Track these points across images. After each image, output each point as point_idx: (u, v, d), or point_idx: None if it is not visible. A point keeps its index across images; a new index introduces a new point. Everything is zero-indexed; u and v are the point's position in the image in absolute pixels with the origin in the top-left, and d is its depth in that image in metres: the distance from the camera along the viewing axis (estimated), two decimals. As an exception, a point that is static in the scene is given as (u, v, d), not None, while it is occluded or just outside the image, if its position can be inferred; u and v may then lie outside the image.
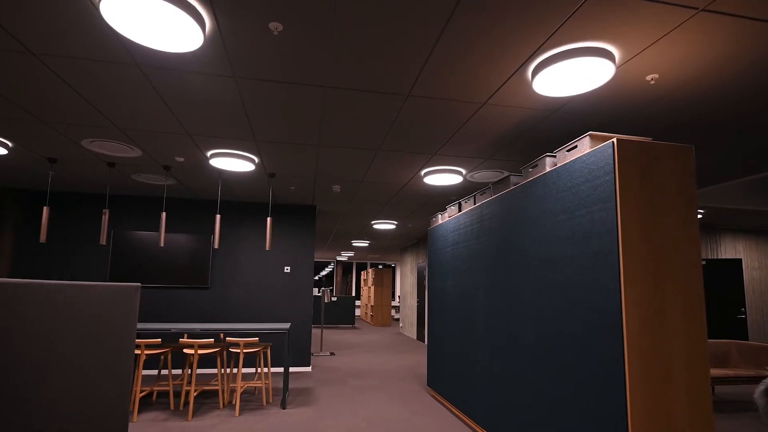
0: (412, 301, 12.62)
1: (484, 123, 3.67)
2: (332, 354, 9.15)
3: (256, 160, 4.78)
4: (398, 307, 20.65)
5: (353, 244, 13.44)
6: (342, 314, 15.33)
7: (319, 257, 19.58)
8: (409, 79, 2.93)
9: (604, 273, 2.47)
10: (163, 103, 3.39)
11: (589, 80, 2.74)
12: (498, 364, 3.70)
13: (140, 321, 6.73)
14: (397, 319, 19.56)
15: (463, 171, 5.08)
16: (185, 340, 4.68)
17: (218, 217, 5.22)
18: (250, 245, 7.19)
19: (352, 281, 21.71)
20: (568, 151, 2.93)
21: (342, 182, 5.71)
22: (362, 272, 19.23)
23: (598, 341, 2.50)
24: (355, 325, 16.48)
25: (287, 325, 5.30)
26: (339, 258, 19.81)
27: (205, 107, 3.44)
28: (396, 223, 9.04)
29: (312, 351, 9.47)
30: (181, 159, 4.80)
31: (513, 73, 2.84)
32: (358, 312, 20.83)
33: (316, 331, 13.82)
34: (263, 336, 7.12)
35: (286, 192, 6.39)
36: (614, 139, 2.45)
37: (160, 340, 4.66)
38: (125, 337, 2.53)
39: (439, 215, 5.52)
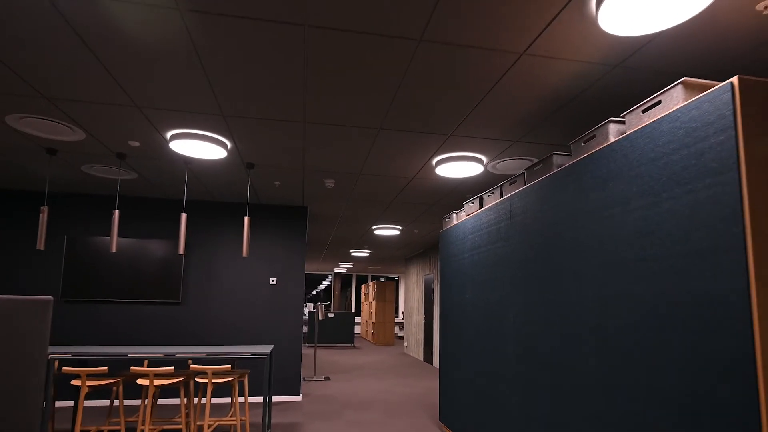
0: (419, 318, 11.85)
1: (520, 85, 2.94)
2: (327, 379, 8.35)
3: (229, 144, 4.06)
4: (402, 324, 19.84)
5: (352, 254, 12.70)
6: (340, 332, 14.55)
7: (315, 269, 18.83)
8: (422, 12, 2.21)
9: (719, 280, 1.72)
10: (92, 56, 2.67)
11: (684, 4, 2.02)
12: (535, 407, 2.94)
13: (97, 344, 5.97)
14: (401, 338, 18.75)
15: (484, 159, 4.35)
16: (137, 368, 3.92)
17: (184, 216, 4.49)
18: (230, 253, 6.45)
19: (351, 295, 20.94)
20: (644, 111, 2.20)
21: (336, 175, 4.98)
22: (362, 286, 18.48)
23: (712, 386, 1.74)
24: (355, 344, 15.68)
25: (268, 349, 4.53)
26: (337, 270, 19.06)
27: (148, 60, 2.73)
28: (400, 228, 8.30)
29: (304, 376, 8.68)
30: (136, 143, 4.08)
31: (570, -2, 2.11)
32: (357, 329, 20.06)
33: (309, 351, 13.02)
34: (240, 361, 6.35)
35: (271, 189, 5.66)
36: (735, 79, 1.71)
37: (106, 368, 3.90)
38: (31, 364, 1.95)
39: (454, 214, 4.79)
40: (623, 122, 2.42)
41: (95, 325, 5.98)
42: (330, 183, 5.25)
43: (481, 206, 4.13)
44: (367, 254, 12.58)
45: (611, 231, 2.33)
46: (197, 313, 6.27)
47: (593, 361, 2.41)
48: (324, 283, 22.89)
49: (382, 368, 9.93)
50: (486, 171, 4.75)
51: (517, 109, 3.28)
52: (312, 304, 19.55)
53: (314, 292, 23.24)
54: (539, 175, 3.13)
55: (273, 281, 6.52)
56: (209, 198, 6.28)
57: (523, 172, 3.34)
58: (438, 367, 10.09)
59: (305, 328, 17.64)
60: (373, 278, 20.89)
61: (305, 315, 16.90)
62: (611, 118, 2.41)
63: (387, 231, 8.38)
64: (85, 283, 5.95)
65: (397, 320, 20.15)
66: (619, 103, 3.18)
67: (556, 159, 2.95)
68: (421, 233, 8.92)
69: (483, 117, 3.43)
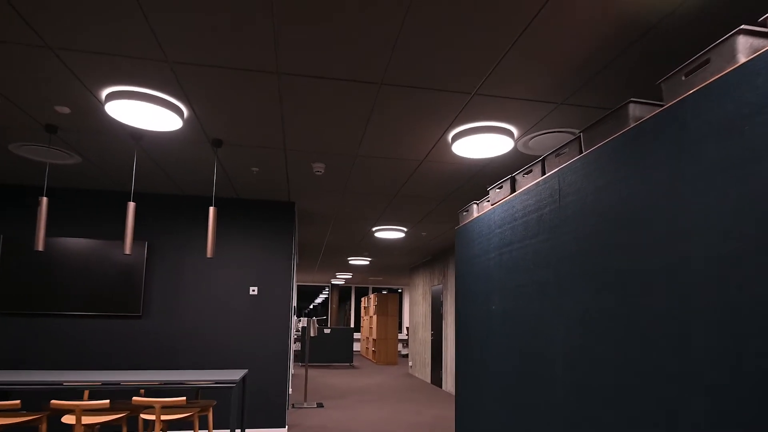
0: (425, 334, 11.03)
1: (583, 2, 2.17)
2: (320, 406, 7.51)
3: (184, 110, 3.28)
4: (407, 340, 18.99)
5: (350, 262, 11.89)
6: (337, 350, 13.74)
7: (310, 281, 18.01)
8: None
9: None
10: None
11: None
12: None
13: (39, 367, 5.15)
14: (405, 356, 17.89)
15: (515, 131, 3.56)
16: (59, 402, 3.11)
17: (131, 206, 3.70)
18: (202, 258, 5.66)
19: (350, 309, 20.10)
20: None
21: (326, 157, 4.20)
22: (362, 298, 17.67)
23: None
24: (354, 363, 14.85)
25: (238, 375, 3.73)
26: (334, 281, 18.26)
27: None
28: (405, 230, 7.50)
29: (292, 402, 7.84)
30: (66, 109, 3.31)
31: None
32: (357, 347, 19.23)
33: (302, 372, 12.18)
34: (209, 389, 5.50)
35: (248, 177, 4.88)
36: None
37: (19, 402, 3.10)
38: None
39: (474, 206, 3.99)
40: (763, 31, 1.63)
41: (37, 344, 5.17)
42: (319, 168, 4.46)
43: (513, 190, 3.33)
44: (368, 262, 11.78)
45: (752, 199, 1.52)
46: (162, 328, 5.46)
47: (703, 406, 1.60)
48: (321, 296, 22.07)
49: (384, 392, 9.08)
50: (515, 150, 3.96)
51: (573, 46, 2.50)
52: (306, 319, 18.72)
53: (311, 306, 22.40)
54: (606, 136, 2.33)
55: (253, 290, 5.71)
56: (176, 191, 5.50)
57: (579, 135, 2.54)
58: (451, 391, 9.24)
59: (298, 345, 16.82)
60: (374, 290, 20.07)
61: (298, 331, 16.04)
62: (742, 27, 1.62)
63: (389, 233, 7.58)
64: (26, 292, 5.15)
65: (400, 336, 19.30)
66: (720, 33, 2.40)
67: (634, 110, 2.16)
68: (430, 236, 8.12)
69: (522, 63, 2.64)
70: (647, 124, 2.01)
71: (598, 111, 3.22)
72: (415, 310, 12.28)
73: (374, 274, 15.33)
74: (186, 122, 3.48)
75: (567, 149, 2.69)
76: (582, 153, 2.51)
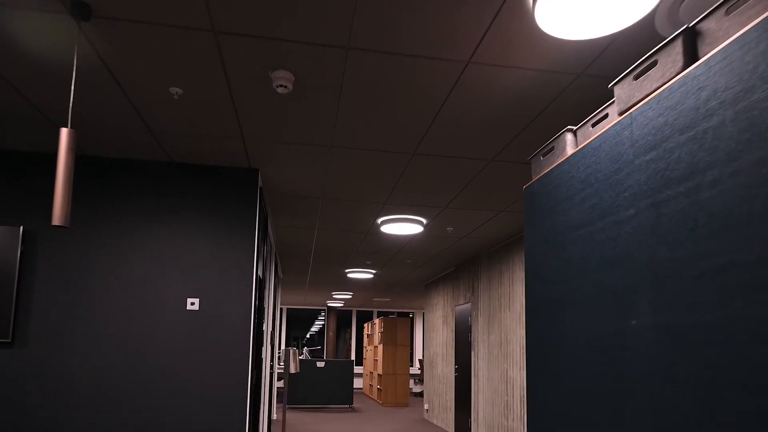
0: (447, 369, 9.43)
1: None
2: (302, 474, 5.78)
3: None
4: (420, 376, 17.24)
5: (349, 276, 10.23)
6: (333, 388, 12.22)
7: (302, 303, 16.32)
8: None
9: None
10: None
11: None
12: None
13: None
14: (419, 395, 16.12)
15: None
16: None
17: None
18: (113, 253, 4.01)
19: (350, 338, 18.42)
20: None
21: (293, 54, 2.55)
22: (365, 324, 16.01)
23: None
24: (354, 405, 13.19)
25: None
26: (331, 303, 16.60)
27: None
28: (424, 221, 5.84)
29: (264, 468, 6.10)
30: None
31: None
32: (358, 383, 17.57)
33: (290, 417, 10.47)
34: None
35: (171, 111, 3.24)
36: None
37: None
38: None
39: (568, 136, 2.33)
40: None
41: None
42: (284, 81, 2.80)
43: (689, 62, 1.63)
44: (371, 276, 10.12)
45: None
46: (44, 363, 3.79)
47: None
48: (318, 322, 20.55)
49: (394, 450, 7.37)
50: (649, 24, 2.30)
51: None
52: (287, 350, 17.08)
53: (308, 335, 20.92)
54: None
55: (192, 304, 4.04)
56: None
57: None
58: (481, 448, 7.49)
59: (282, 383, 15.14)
60: (380, 314, 18.38)
61: (281, 364, 14.36)
62: None
63: (402, 227, 5.91)
64: None
65: (412, 371, 17.56)
66: None
67: None
68: (458, 233, 6.44)
69: None
70: None
71: None
72: (432, 337, 10.64)
73: (380, 294, 13.64)
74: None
75: None
76: None
